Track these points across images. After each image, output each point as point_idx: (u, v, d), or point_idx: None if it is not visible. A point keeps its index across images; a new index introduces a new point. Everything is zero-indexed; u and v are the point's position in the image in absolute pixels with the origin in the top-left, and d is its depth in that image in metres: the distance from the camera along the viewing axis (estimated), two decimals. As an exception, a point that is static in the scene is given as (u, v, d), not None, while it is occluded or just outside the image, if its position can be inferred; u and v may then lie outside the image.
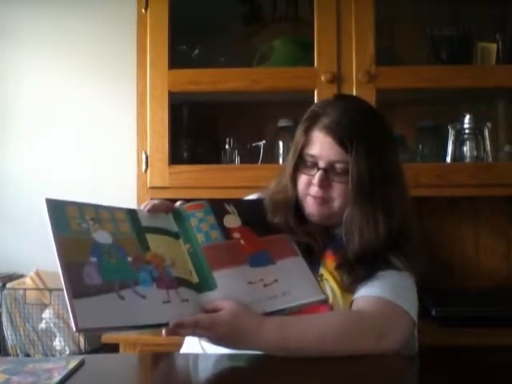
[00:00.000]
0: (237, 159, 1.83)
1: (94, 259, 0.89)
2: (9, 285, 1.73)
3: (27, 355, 1.69)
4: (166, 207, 1.08)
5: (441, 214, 1.94)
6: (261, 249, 1.06)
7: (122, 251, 0.93)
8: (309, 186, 1.13)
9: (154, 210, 1.05)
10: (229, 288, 0.96)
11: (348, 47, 1.67)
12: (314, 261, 1.11)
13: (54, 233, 0.90)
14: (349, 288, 1.07)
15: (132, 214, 1.02)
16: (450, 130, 1.76)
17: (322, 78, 1.66)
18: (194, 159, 1.83)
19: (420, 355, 1.09)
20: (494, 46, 1.74)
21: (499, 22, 1.89)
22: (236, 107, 1.90)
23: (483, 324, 1.53)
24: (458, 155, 1.76)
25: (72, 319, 0.80)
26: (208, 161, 1.80)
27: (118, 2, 1.97)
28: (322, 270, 1.11)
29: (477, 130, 1.75)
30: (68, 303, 0.81)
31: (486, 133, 1.74)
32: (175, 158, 1.75)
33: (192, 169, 1.71)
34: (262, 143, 1.82)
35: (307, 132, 1.13)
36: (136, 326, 0.86)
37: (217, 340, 0.90)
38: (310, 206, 1.13)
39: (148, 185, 1.70)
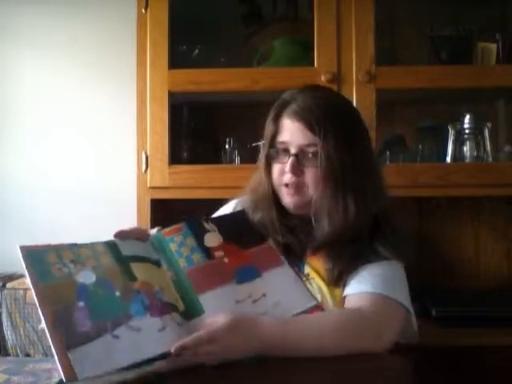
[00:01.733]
0: (237, 159, 1.83)
1: (81, 303, 0.86)
2: (9, 285, 1.74)
3: (27, 355, 1.69)
4: (141, 235, 1.04)
5: (441, 214, 1.94)
6: (246, 262, 1.04)
7: (110, 285, 0.90)
8: (282, 175, 1.12)
9: (120, 235, 1.01)
10: (217, 311, 0.93)
11: (348, 47, 1.67)
12: (298, 260, 1.10)
13: (35, 282, 0.85)
14: (337, 280, 1.06)
15: (111, 245, 0.99)
16: (450, 130, 1.76)
17: (322, 77, 1.66)
18: (193, 159, 1.83)
19: (420, 355, 1.09)
20: (493, 46, 1.74)
21: (499, 22, 1.89)
22: (236, 107, 1.90)
23: (483, 324, 1.53)
24: (458, 155, 1.76)
25: (61, 370, 0.76)
26: (208, 161, 1.80)
27: (118, 1, 1.97)
28: (308, 269, 1.10)
29: (477, 130, 1.75)
30: (56, 354, 0.78)
31: (486, 133, 1.74)
32: (175, 158, 1.75)
33: (192, 169, 1.71)
34: (262, 143, 1.82)
35: (276, 120, 1.13)
36: (137, 363, 0.83)
37: (222, 351, 0.88)
38: (285, 196, 1.13)
39: (148, 185, 1.70)
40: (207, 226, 1.08)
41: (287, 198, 1.13)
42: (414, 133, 1.91)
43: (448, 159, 1.76)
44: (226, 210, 1.31)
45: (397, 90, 1.70)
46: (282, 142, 1.12)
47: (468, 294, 1.81)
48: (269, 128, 1.15)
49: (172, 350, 0.84)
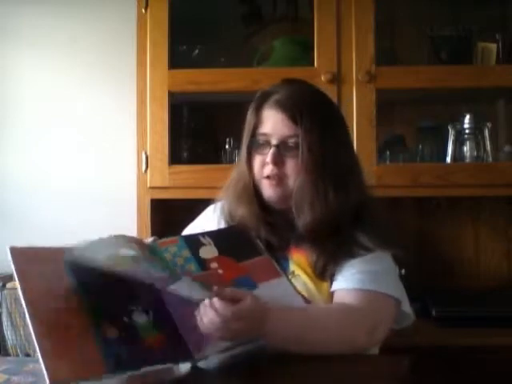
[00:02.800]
0: (237, 159, 1.82)
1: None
2: (9, 285, 1.73)
3: (27, 355, 1.69)
4: (137, 242, 1.03)
5: (441, 214, 1.94)
6: (241, 274, 1.04)
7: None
8: (263, 167, 1.11)
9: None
10: None
11: (348, 47, 1.67)
12: (281, 257, 1.10)
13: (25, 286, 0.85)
14: (322, 273, 1.06)
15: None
16: (450, 130, 1.76)
17: (322, 77, 1.66)
18: (193, 159, 1.83)
19: (420, 355, 1.09)
20: (493, 46, 1.74)
21: (499, 22, 1.90)
22: (236, 107, 1.89)
23: (483, 324, 1.53)
24: (458, 155, 1.76)
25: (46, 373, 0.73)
26: (208, 161, 1.80)
27: (118, 1, 1.97)
28: (293, 266, 1.09)
29: (477, 130, 1.75)
30: (42, 357, 0.75)
31: (486, 133, 1.74)
32: (175, 158, 1.75)
33: (192, 169, 1.72)
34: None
35: (258, 111, 1.13)
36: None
37: (235, 332, 0.90)
38: (267, 188, 1.11)
39: (148, 185, 1.70)
40: (203, 239, 1.08)
41: (269, 191, 1.11)
42: (414, 133, 1.91)
43: (448, 159, 1.76)
44: (205, 215, 1.30)
45: (397, 90, 1.70)
46: (264, 134, 1.11)
47: (468, 293, 1.81)
48: (250, 120, 1.15)
49: (214, 293, 0.89)
